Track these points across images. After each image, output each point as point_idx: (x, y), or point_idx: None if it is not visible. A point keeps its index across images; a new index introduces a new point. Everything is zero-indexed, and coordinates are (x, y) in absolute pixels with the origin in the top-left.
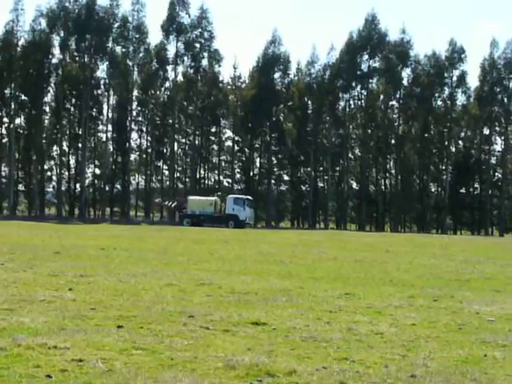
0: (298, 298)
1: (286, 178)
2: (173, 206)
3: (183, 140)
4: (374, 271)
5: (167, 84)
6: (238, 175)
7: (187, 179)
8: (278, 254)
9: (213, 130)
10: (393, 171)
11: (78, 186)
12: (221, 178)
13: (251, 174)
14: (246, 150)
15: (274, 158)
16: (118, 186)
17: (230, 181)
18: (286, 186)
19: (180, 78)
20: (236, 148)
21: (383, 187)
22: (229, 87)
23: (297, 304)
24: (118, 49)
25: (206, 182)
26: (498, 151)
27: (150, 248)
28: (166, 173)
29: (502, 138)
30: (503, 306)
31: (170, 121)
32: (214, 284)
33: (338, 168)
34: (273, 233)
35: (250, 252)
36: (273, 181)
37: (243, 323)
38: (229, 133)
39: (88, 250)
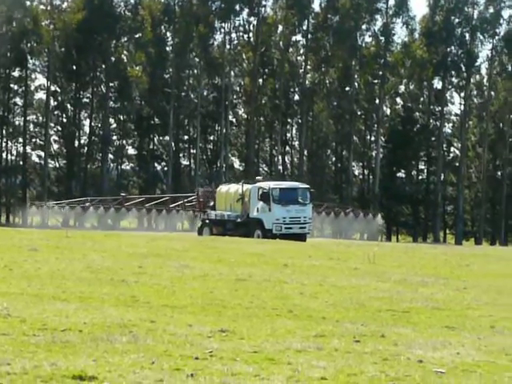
0: (147, 337)
1: (131, 151)
2: (189, 204)
3: None
4: (265, 296)
5: None
6: (56, 146)
7: None
8: (116, 269)
9: (15, 73)
10: (296, 143)
11: None
12: (28, 149)
13: (76, 144)
14: (69, 106)
15: (112, 120)
16: None
17: (41, 154)
18: (131, 163)
19: None
20: (52, 103)
21: (281, 167)
22: (41, 7)
23: (145, 347)
24: None
25: (4, 155)
26: (456, 114)
27: None
28: None
29: (462, 93)
30: (459, 350)
31: None
32: (13, 316)
33: (211, 137)
34: (109, 236)
35: (72, 266)
36: (110, 155)
37: (59, 377)
38: (41, 79)
39: None
